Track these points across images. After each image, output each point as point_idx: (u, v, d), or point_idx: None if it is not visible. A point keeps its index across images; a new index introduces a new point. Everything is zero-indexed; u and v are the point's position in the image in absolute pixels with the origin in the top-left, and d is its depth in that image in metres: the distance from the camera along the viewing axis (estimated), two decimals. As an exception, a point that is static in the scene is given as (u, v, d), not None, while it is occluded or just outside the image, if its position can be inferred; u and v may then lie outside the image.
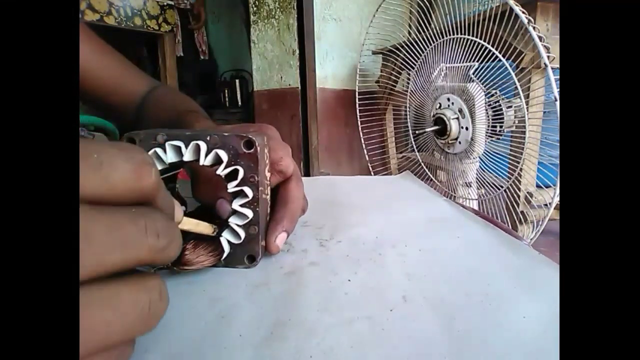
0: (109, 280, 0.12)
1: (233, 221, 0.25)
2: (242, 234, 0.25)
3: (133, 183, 0.13)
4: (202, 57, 2.60)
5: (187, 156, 0.23)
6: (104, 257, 0.12)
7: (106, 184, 0.12)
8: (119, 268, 0.12)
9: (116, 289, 0.12)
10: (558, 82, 0.74)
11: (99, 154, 0.12)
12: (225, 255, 0.25)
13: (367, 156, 1.52)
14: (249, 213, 0.25)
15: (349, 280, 0.24)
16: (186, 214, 0.28)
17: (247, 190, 0.24)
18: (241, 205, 0.24)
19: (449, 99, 1.00)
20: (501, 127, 0.89)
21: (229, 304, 0.21)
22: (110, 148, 0.13)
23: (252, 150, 0.24)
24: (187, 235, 0.24)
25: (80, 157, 0.12)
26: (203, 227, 0.24)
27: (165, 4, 2.09)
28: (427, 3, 1.11)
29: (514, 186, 0.91)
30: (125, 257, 0.12)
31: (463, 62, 0.95)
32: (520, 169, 0.88)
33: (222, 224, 0.25)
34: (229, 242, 0.25)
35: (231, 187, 0.24)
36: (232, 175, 0.24)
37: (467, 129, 0.96)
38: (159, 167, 0.23)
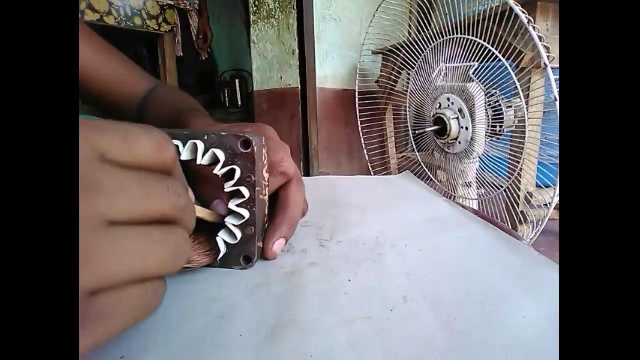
0: (143, 225, 0.14)
1: (229, 221, 0.25)
2: (239, 234, 0.25)
3: (155, 155, 0.15)
4: (202, 57, 2.61)
5: (185, 155, 0.23)
6: (135, 205, 0.14)
7: (131, 152, 0.14)
8: (148, 217, 0.14)
9: (149, 230, 0.14)
10: (558, 82, 0.74)
11: (126, 129, 0.14)
12: (221, 255, 0.25)
13: (367, 156, 1.52)
14: (246, 213, 0.24)
15: (349, 281, 0.24)
16: None
17: (244, 190, 0.24)
18: (238, 206, 0.24)
19: (449, 99, 1.00)
20: (501, 127, 0.89)
21: (229, 304, 0.21)
22: (135, 127, 0.15)
23: (249, 150, 0.24)
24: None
25: (111, 129, 0.14)
26: (207, 214, 0.24)
27: (165, 4, 2.09)
28: (427, 3, 1.11)
29: (514, 186, 0.91)
30: (153, 207, 0.14)
31: (463, 62, 0.95)
32: (520, 169, 0.88)
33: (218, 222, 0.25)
34: (225, 242, 0.25)
35: (228, 187, 0.24)
36: (229, 175, 0.24)
37: (467, 129, 0.96)
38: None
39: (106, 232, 0.13)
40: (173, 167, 0.17)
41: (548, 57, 0.76)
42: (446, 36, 1.00)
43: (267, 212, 0.27)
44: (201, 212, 0.23)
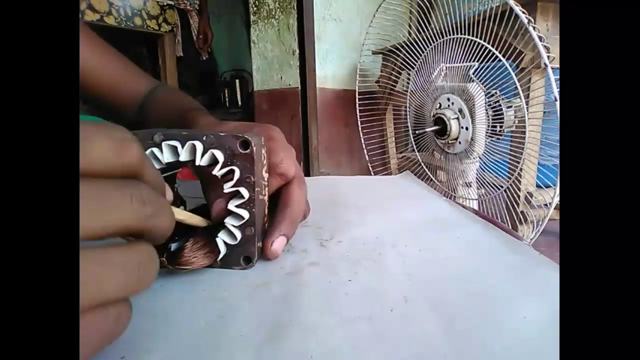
0: (101, 244, 0.13)
1: (229, 222, 0.25)
2: (239, 235, 0.25)
3: (113, 158, 0.13)
4: (202, 57, 2.61)
5: (183, 156, 0.23)
6: (91, 221, 0.12)
7: (84, 158, 0.12)
8: (107, 233, 0.13)
9: (106, 250, 0.13)
10: (558, 82, 0.74)
11: (83, 131, 0.13)
12: (221, 256, 0.25)
13: (367, 156, 1.52)
14: (245, 214, 0.24)
15: (350, 281, 0.24)
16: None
17: (243, 190, 0.24)
18: (237, 206, 0.24)
19: (449, 99, 1.00)
20: (501, 127, 0.89)
21: (229, 304, 0.21)
22: (90, 126, 0.13)
23: (248, 150, 0.24)
24: (184, 234, 0.24)
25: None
26: (196, 220, 0.24)
27: (165, 4, 2.09)
28: (427, 3, 1.11)
29: (514, 186, 0.91)
30: (112, 222, 0.13)
31: (463, 62, 0.95)
32: (520, 169, 0.88)
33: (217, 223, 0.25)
34: (225, 242, 0.25)
35: (227, 187, 0.24)
36: (228, 176, 0.24)
37: (467, 129, 0.96)
38: (157, 167, 0.23)
39: None
40: (139, 169, 0.15)
41: (548, 57, 0.76)
42: (446, 36, 1.00)
43: (266, 213, 0.27)
44: (182, 215, 0.22)
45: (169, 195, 0.19)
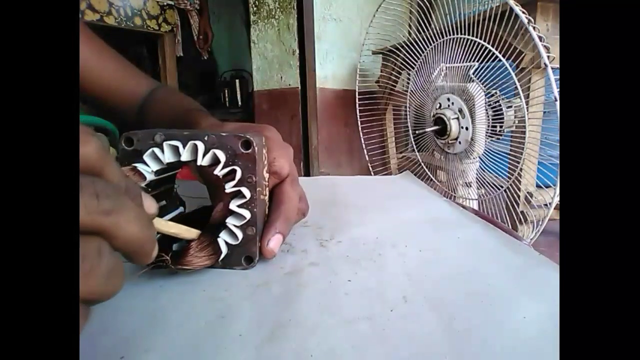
0: None
1: (230, 222, 0.25)
2: (240, 235, 0.25)
3: None
4: (202, 57, 2.61)
5: (185, 156, 0.23)
6: None
7: None
8: None
9: None
10: (558, 82, 0.74)
11: None
12: (222, 256, 0.24)
13: (367, 156, 1.52)
14: (247, 214, 0.24)
15: (349, 281, 0.24)
16: (185, 215, 0.28)
17: (245, 190, 0.24)
18: (238, 206, 0.24)
19: (449, 99, 1.00)
20: (501, 127, 0.89)
21: (230, 304, 0.21)
22: None
23: (249, 150, 0.24)
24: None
25: None
26: (193, 234, 0.23)
27: (165, 4, 2.09)
28: (427, 3, 1.11)
29: (514, 186, 0.91)
30: None
31: (463, 62, 0.95)
32: (520, 169, 0.88)
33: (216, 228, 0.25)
34: (226, 243, 0.25)
35: (229, 187, 0.24)
36: (230, 176, 0.24)
37: (467, 129, 0.96)
38: (157, 167, 0.23)
39: None
40: (98, 165, 0.13)
41: (548, 57, 0.76)
42: (446, 36, 1.00)
43: (266, 212, 0.27)
44: (184, 232, 0.22)
45: (150, 205, 0.17)
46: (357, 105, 1.52)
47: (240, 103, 2.73)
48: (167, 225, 0.21)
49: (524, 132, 0.85)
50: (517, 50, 0.85)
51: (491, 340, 0.18)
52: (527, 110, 0.84)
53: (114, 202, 0.13)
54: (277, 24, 1.78)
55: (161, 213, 0.26)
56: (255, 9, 1.85)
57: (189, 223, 0.27)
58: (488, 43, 0.88)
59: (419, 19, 1.11)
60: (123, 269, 0.13)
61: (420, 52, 1.11)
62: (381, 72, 1.55)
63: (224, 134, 0.24)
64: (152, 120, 0.44)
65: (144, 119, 0.45)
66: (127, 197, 0.14)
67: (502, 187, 0.93)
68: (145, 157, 0.23)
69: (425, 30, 1.09)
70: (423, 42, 1.09)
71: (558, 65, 0.77)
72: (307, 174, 1.76)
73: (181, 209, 0.28)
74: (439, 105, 1.03)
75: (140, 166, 0.23)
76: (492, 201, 0.96)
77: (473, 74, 0.92)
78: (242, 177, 0.24)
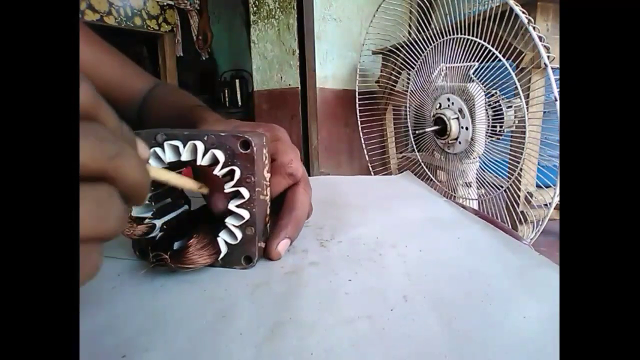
0: None
1: (230, 222, 0.25)
2: (239, 234, 0.25)
3: None
4: (202, 57, 2.61)
5: (185, 156, 0.23)
6: None
7: None
8: None
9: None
10: (558, 82, 0.74)
11: None
12: (222, 255, 0.25)
13: (367, 156, 1.52)
14: (246, 214, 0.24)
15: (350, 280, 0.24)
16: (190, 212, 0.28)
17: (244, 191, 0.24)
18: (237, 206, 0.24)
19: (449, 99, 1.00)
20: (501, 127, 0.89)
21: (230, 303, 0.21)
22: None
23: (248, 150, 0.24)
24: (187, 233, 0.24)
25: None
26: (185, 182, 0.23)
27: (165, 4, 2.09)
28: (427, 3, 1.11)
29: (514, 186, 0.91)
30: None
31: (463, 62, 0.95)
32: (520, 169, 0.88)
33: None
34: (226, 242, 0.25)
35: (228, 187, 0.24)
36: (229, 176, 0.24)
37: (467, 129, 0.96)
38: (158, 167, 0.24)
39: None
40: (93, 110, 0.13)
41: (548, 57, 0.76)
42: (446, 36, 1.00)
43: (268, 212, 0.27)
44: (175, 179, 0.21)
45: (143, 150, 0.17)
46: (357, 105, 1.52)
47: (240, 103, 2.73)
48: (159, 172, 0.20)
49: (524, 132, 0.85)
50: (517, 50, 0.85)
51: (491, 340, 0.18)
52: (527, 110, 0.84)
53: (117, 147, 0.13)
54: (277, 24, 1.78)
55: (166, 210, 0.26)
56: (255, 9, 1.85)
57: (195, 221, 0.27)
58: (488, 43, 0.88)
59: (419, 19, 1.11)
60: (126, 209, 0.14)
61: (420, 52, 1.11)
62: (381, 72, 1.55)
63: (223, 134, 0.24)
64: (153, 118, 0.44)
65: (145, 117, 0.45)
66: (125, 142, 0.14)
67: (502, 187, 0.93)
68: None
69: (425, 30, 1.09)
70: (423, 42, 1.10)
71: (558, 65, 0.77)
72: (307, 174, 1.75)
73: (186, 207, 0.28)
74: (439, 105, 1.03)
75: None
76: (492, 201, 0.96)
77: (473, 74, 0.92)
78: (241, 177, 0.24)
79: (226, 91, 2.76)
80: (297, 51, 1.72)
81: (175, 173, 0.21)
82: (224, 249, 0.25)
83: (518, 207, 0.91)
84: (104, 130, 0.13)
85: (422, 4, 1.11)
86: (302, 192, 0.29)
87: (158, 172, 0.20)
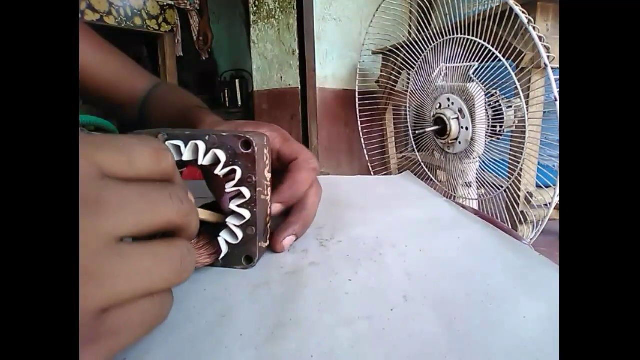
0: (149, 241, 0.15)
1: (230, 221, 0.25)
2: (240, 234, 0.25)
3: (154, 165, 0.15)
4: (202, 57, 2.61)
5: (186, 156, 0.23)
6: (141, 217, 0.14)
7: (131, 165, 0.14)
8: (155, 227, 0.15)
9: (153, 245, 0.15)
10: (558, 82, 0.74)
11: (124, 142, 0.15)
12: (222, 255, 0.25)
13: (367, 156, 1.52)
14: (247, 214, 0.24)
15: (350, 280, 0.24)
16: None
17: (245, 190, 0.24)
18: (238, 206, 0.24)
19: (449, 99, 1.00)
20: (501, 127, 0.89)
21: (230, 303, 0.21)
22: (132, 139, 0.15)
23: (249, 150, 0.24)
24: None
25: (108, 144, 0.14)
26: (209, 216, 0.24)
27: (165, 4, 2.09)
28: (427, 3, 1.11)
29: (514, 186, 0.91)
30: (158, 217, 0.15)
31: (463, 62, 0.95)
32: (520, 169, 0.88)
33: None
34: (226, 242, 0.25)
35: (229, 187, 0.24)
36: (230, 176, 0.24)
37: (467, 129, 0.96)
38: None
39: (113, 249, 0.13)
40: (173, 174, 0.17)
41: (548, 57, 0.76)
42: (446, 36, 1.00)
43: (269, 212, 0.27)
44: (203, 214, 0.23)
45: (191, 197, 0.20)
46: (357, 105, 1.52)
47: (240, 103, 2.73)
48: (200, 213, 0.22)
49: (524, 132, 0.85)
50: (517, 50, 0.85)
51: (491, 340, 0.18)
52: (527, 110, 0.84)
53: (189, 204, 0.16)
54: (277, 24, 1.78)
55: None
56: (255, 9, 1.85)
57: None
58: (488, 43, 0.88)
59: (419, 19, 1.11)
60: (194, 251, 0.18)
61: (420, 52, 1.11)
62: (381, 72, 1.55)
63: (224, 134, 0.24)
64: (153, 118, 0.44)
65: (146, 116, 0.45)
66: (191, 197, 0.17)
67: (502, 187, 0.93)
68: None
69: (425, 30, 1.09)
70: (423, 42, 1.10)
71: (558, 65, 0.77)
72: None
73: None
74: (439, 105, 1.03)
75: None
76: (492, 201, 0.96)
77: (473, 74, 0.92)
78: (242, 177, 0.24)
79: (226, 91, 2.76)
80: (297, 51, 1.72)
81: (208, 211, 0.24)
82: (224, 249, 0.25)
83: (518, 207, 0.91)
84: (182, 191, 0.16)
85: (422, 4, 1.11)
86: (313, 194, 0.30)
87: (201, 214, 0.22)
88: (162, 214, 0.15)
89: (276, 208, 0.28)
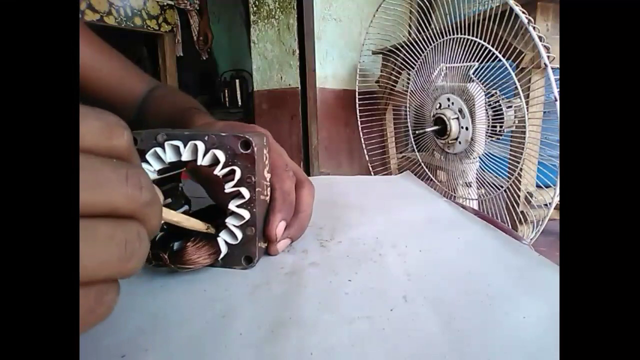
0: (88, 218, 0.12)
1: (230, 222, 0.25)
2: (239, 234, 0.25)
3: (104, 140, 0.13)
4: (202, 57, 2.61)
5: (185, 156, 0.23)
6: (80, 195, 0.12)
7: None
8: (95, 209, 0.12)
9: (91, 221, 0.12)
10: (558, 82, 0.74)
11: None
12: (222, 255, 0.25)
13: (367, 156, 1.52)
14: (246, 214, 0.24)
15: (350, 280, 0.24)
16: (190, 213, 0.28)
17: (244, 191, 0.24)
18: (238, 206, 0.24)
19: (449, 99, 1.00)
20: (501, 127, 0.89)
21: (230, 303, 0.21)
22: (84, 108, 0.13)
23: (249, 151, 0.24)
24: (187, 233, 0.24)
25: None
26: (193, 223, 0.23)
27: (165, 4, 2.09)
28: (427, 3, 1.11)
29: (514, 186, 0.91)
30: (99, 196, 0.12)
31: (463, 62, 0.95)
32: (520, 169, 0.88)
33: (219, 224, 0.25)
34: (226, 242, 0.25)
35: (228, 187, 0.24)
36: (230, 176, 0.24)
37: (467, 129, 0.96)
38: (159, 167, 0.24)
39: None
40: (128, 155, 0.14)
41: (548, 57, 0.76)
42: (446, 36, 1.00)
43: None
44: (185, 220, 0.22)
45: (160, 195, 0.18)
46: (357, 105, 1.52)
47: (240, 103, 2.73)
48: (170, 214, 0.21)
49: (524, 132, 0.85)
50: (517, 50, 0.85)
51: (491, 340, 0.18)
52: (527, 110, 0.84)
53: (150, 194, 0.14)
54: (277, 24, 1.78)
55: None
56: (255, 9, 1.85)
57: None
58: (488, 43, 0.88)
59: (419, 19, 1.11)
60: (147, 240, 0.14)
61: (420, 52, 1.11)
62: (381, 72, 1.55)
63: (224, 134, 0.24)
64: (150, 119, 0.44)
65: (143, 118, 0.45)
66: (156, 189, 0.15)
67: (502, 187, 0.93)
68: (148, 156, 0.23)
69: (425, 30, 1.09)
70: (423, 42, 1.10)
71: (558, 65, 0.77)
72: (307, 174, 1.75)
73: (186, 207, 0.28)
74: (439, 105, 1.03)
75: (143, 165, 0.23)
76: (492, 201, 0.96)
77: (473, 74, 0.92)
78: (242, 177, 0.24)
79: (226, 91, 2.76)
80: (297, 51, 1.72)
81: (183, 215, 0.22)
82: (224, 249, 0.25)
83: (518, 207, 0.91)
84: (144, 177, 0.14)
85: (422, 4, 1.11)
86: (305, 194, 0.30)
87: (169, 214, 0.21)
88: (106, 195, 0.12)
89: (283, 225, 0.27)
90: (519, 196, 0.91)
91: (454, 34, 0.97)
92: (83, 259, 0.11)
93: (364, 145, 1.52)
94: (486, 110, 0.92)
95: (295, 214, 0.29)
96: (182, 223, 0.22)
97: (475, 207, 1.00)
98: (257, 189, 0.24)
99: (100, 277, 0.12)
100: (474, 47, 0.91)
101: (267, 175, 0.26)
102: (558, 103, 0.74)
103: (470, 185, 1.02)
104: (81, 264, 0.11)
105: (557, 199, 0.81)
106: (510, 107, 0.88)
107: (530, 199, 0.90)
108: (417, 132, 1.15)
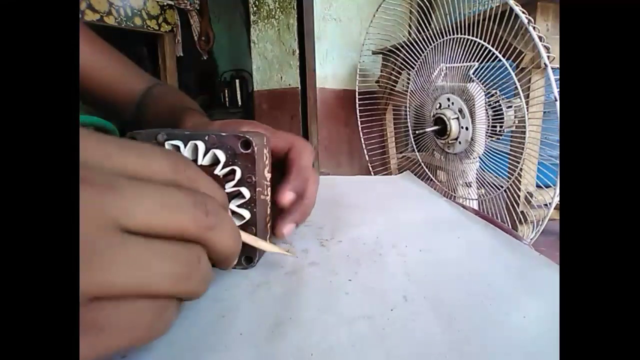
0: (159, 239, 0.13)
1: None
2: None
3: (172, 172, 0.15)
4: (202, 57, 2.61)
5: (186, 156, 0.23)
6: (153, 214, 0.13)
7: (150, 167, 0.14)
8: (168, 231, 0.13)
9: (161, 242, 0.13)
10: (558, 82, 0.74)
11: (145, 147, 0.14)
12: None
13: (367, 156, 1.52)
14: (246, 214, 0.24)
15: (350, 280, 0.24)
16: None
17: (244, 190, 0.24)
18: (238, 206, 0.24)
19: (449, 99, 1.00)
20: (501, 127, 0.89)
21: (230, 303, 0.21)
22: (150, 145, 0.15)
23: (249, 150, 0.24)
24: None
25: (128, 146, 0.14)
26: (262, 244, 0.23)
27: (165, 4, 2.09)
28: (427, 3, 1.11)
29: (514, 186, 0.91)
30: (170, 220, 0.13)
31: (463, 62, 0.95)
32: (520, 169, 0.88)
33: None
34: None
35: (228, 187, 0.24)
36: (230, 176, 0.24)
37: (467, 129, 0.96)
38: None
39: (115, 236, 0.12)
40: (197, 184, 0.16)
41: (548, 57, 0.76)
42: (446, 36, 1.00)
43: (270, 212, 0.27)
44: (253, 242, 0.22)
45: (235, 221, 0.19)
46: (357, 105, 1.52)
47: (240, 103, 2.74)
48: (250, 238, 0.22)
49: (524, 132, 0.85)
50: (517, 50, 0.85)
51: (491, 340, 0.18)
52: (527, 110, 0.84)
53: (218, 220, 0.15)
54: (277, 24, 1.78)
55: None
56: (255, 9, 1.85)
57: None
58: (488, 43, 0.88)
59: (419, 19, 1.11)
60: (212, 274, 0.15)
61: (420, 52, 1.11)
62: (381, 72, 1.55)
63: (224, 134, 0.24)
64: (148, 118, 0.44)
65: (141, 117, 0.45)
66: (225, 212, 0.16)
67: (502, 187, 0.93)
68: None
69: (425, 30, 1.09)
70: (423, 42, 1.09)
71: (558, 65, 0.77)
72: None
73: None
74: (439, 105, 1.03)
75: None
76: (492, 201, 0.96)
77: (473, 74, 0.92)
78: (242, 177, 0.24)
79: (226, 91, 2.76)
80: (297, 51, 1.72)
81: (262, 240, 0.23)
82: None
83: (518, 207, 0.91)
84: (212, 202, 0.15)
85: (422, 4, 1.11)
86: (312, 182, 0.30)
87: (249, 238, 0.21)
88: (176, 219, 0.13)
89: (290, 196, 0.28)
90: (519, 196, 0.91)
91: (454, 34, 0.97)
92: (151, 272, 0.13)
93: (364, 145, 1.52)
94: (486, 110, 0.92)
95: (300, 199, 0.29)
96: (262, 247, 0.23)
97: (475, 207, 1.00)
98: (257, 189, 0.24)
99: (164, 292, 0.13)
100: (474, 47, 0.91)
101: (268, 175, 0.26)
102: (558, 103, 0.74)
103: (470, 185, 1.02)
104: (148, 275, 0.13)
105: (557, 199, 0.81)
106: (510, 107, 0.88)
107: (530, 199, 0.90)
108: (417, 132, 1.15)
